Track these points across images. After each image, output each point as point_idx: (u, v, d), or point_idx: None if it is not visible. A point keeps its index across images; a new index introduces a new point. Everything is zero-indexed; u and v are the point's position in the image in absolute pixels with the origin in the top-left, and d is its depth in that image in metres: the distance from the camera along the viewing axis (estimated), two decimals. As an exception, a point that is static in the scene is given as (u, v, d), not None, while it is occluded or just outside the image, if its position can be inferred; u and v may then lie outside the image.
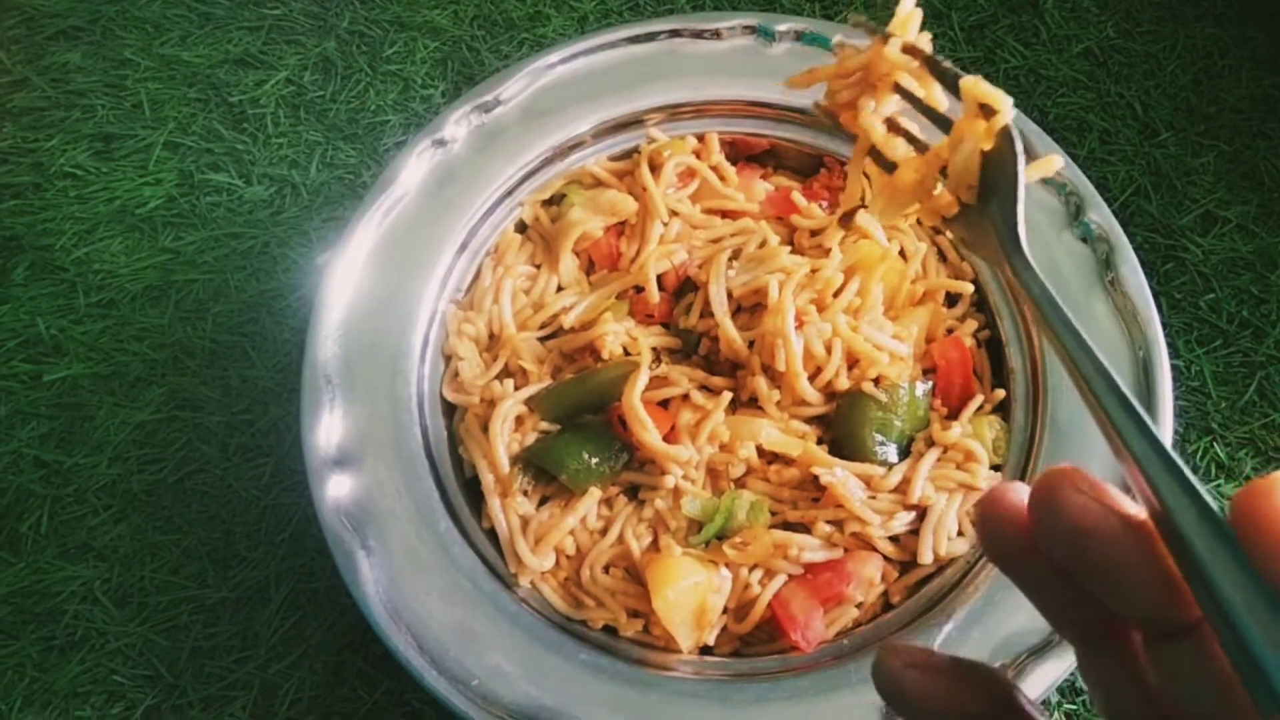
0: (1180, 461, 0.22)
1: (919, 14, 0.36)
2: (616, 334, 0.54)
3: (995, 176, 0.32)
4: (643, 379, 0.51)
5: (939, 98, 0.35)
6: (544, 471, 0.52)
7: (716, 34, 0.61)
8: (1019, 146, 0.31)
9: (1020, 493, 0.23)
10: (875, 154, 0.37)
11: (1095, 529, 0.22)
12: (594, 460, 0.51)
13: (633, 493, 0.53)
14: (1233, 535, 0.20)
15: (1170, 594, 0.21)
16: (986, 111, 0.32)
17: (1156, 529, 0.22)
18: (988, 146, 0.32)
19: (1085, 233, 0.55)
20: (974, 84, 0.32)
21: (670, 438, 0.51)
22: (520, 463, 0.52)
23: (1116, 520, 0.22)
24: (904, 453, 0.52)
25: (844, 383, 0.51)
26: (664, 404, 0.53)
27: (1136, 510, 0.22)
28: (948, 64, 0.34)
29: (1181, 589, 0.21)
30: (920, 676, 0.25)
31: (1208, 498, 0.21)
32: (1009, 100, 0.32)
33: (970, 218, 0.33)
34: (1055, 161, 0.35)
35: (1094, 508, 0.22)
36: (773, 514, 0.50)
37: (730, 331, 0.53)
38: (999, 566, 0.25)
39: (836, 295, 0.53)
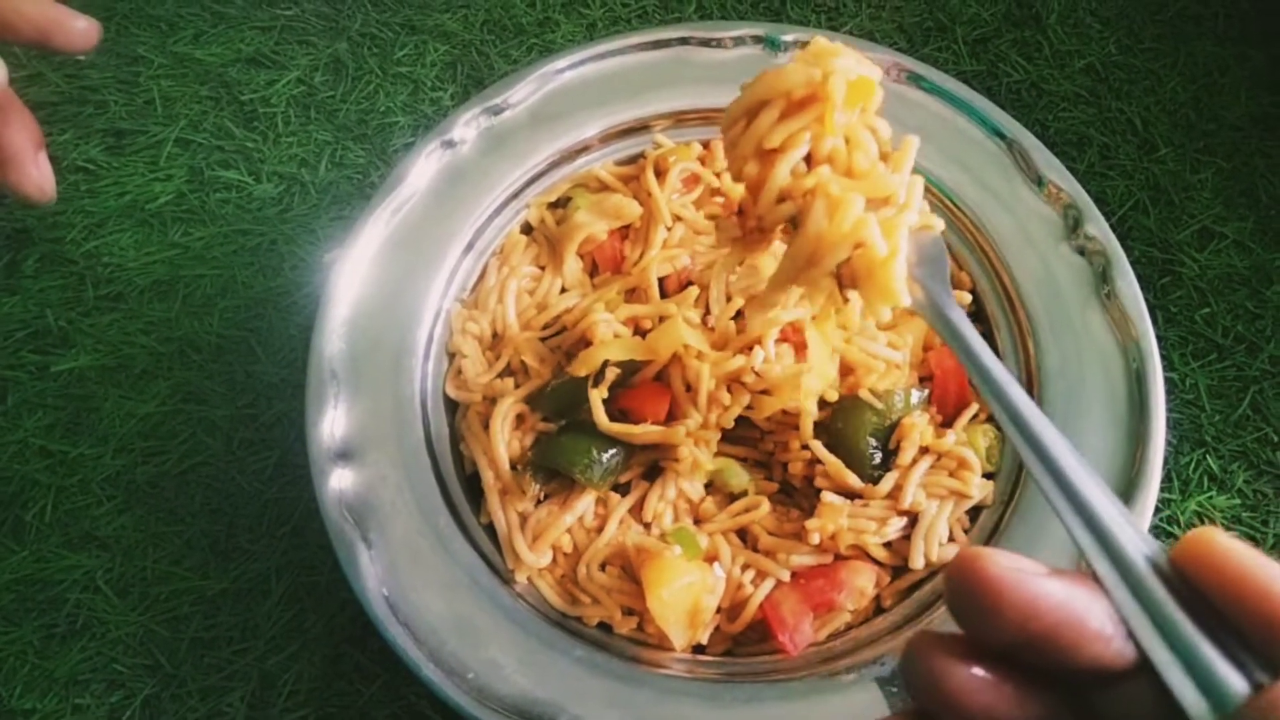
0: (1112, 520, 0.25)
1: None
2: (608, 321, 0.54)
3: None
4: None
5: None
6: (545, 469, 0.52)
7: (723, 43, 0.62)
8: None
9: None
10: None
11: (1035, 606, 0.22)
12: (604, 455, 0.51)
13: (623, 490, 0.53)
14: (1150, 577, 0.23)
15: (1109, 641, 0.22)
16: None
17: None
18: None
19: (1083, 246, 0.56)
20: None
21: (674, 410, 0.52)
22: (527, 463, 0.52)
23: (1054, 587, 0.22)
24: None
25: (833, 395, 0.52)
26: (659, 378, 0.53)
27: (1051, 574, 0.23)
28: None
29: (1119, 634, 0.23)
30: (971, 682, 0.22)
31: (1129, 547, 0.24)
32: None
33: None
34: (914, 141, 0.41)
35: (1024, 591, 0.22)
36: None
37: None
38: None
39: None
